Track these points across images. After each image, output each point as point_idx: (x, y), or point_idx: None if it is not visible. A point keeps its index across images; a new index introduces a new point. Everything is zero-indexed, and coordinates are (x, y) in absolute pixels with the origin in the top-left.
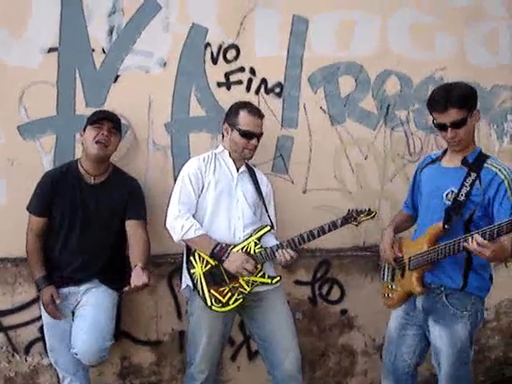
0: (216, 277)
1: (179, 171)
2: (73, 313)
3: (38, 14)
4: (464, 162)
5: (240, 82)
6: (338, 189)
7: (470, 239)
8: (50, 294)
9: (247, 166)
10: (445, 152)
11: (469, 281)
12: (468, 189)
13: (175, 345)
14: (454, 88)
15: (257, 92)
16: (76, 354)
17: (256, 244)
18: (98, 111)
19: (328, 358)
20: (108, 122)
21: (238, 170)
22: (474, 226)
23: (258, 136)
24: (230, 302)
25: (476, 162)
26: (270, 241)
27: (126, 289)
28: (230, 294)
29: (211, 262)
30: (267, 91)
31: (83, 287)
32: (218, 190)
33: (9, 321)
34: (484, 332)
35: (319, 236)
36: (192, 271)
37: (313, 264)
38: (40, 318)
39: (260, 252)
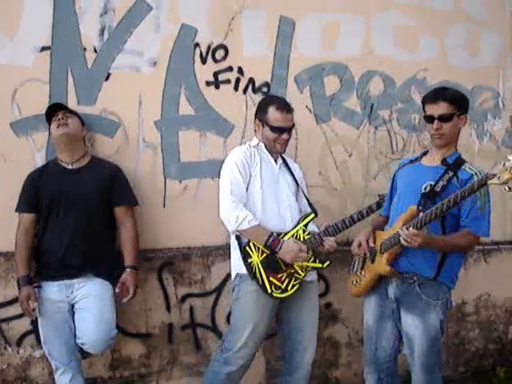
0: (273, 264)
1: (168, 168)
2: (72, 306)
3: (30, 14)
4: (443, 161)
5: (228, 82)
6: (322, 186)
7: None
8: (27, 293)
9: (281, 156)
10: (425, 153)
11: (441, 271)
12: (444, 183)
13: (164, 337)
14: (450, 89)
15: (244, 91)
16: (83, 344)
17: (304, 231)
18: (48, 106)
19: None
20: (60, 110)
21: (276, 162)
22: (450, 219)
23: (289, 130)
24: (289, 288)
25: (454, 164)
26: (311, 227)
27: (117, 290)
28: (287, 280)
29: (266, 250)
30: (255, 90)
31: (76, 280)
32: (264, 180)
33: (1, 314)
34: (464, 325)
35: (359, 220)
36: (249, 260)
37: None
38: (32, 311)
39: (309, 238)
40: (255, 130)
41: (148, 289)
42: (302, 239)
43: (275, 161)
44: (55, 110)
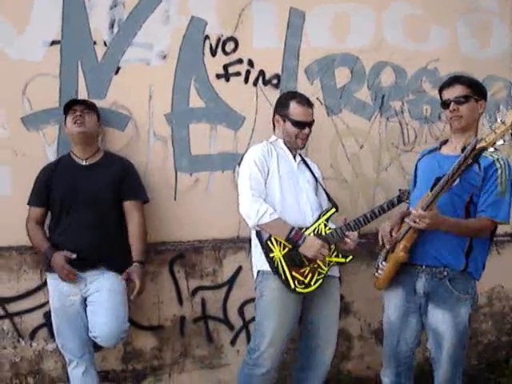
0: (295, 259)
1: (179, 161)
2: (85, 299)
3: (40, 8)
4: (463, 150)
5: (238, 74)
6: (334, 178)
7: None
8: (62, 255)
9: (299, 154)
10: (445, 142)
11: (469, 261)
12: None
13: (176, 330)
14: (467, 76)
15: (255, 83)
16: (95, 338)
17: (325, 225)
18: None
19: None
20: (78, 105)
21: (295, 158)
22: (473, 208)
23: (310, 124)
24: (312, 283)
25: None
26: (329, 224)
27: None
28: (310, 274)
29: (288, 245)
30: (265, 83)
31: (89, 273)
32: (282, 175)
33: (14, 307)
34: (477, 317)
35: (380, 215)
36: (271, 255)
37: None
38: (44, 304)
39: (331, 233)
40: (274, 127)
41: (160, 282)
42: (323, 233)
43: (294, 157)
44: (74, 103)
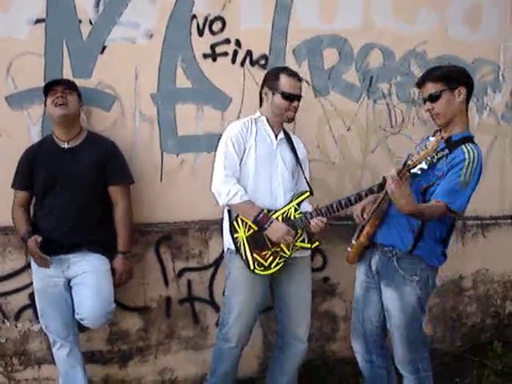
0: (258, 241)
1: (165, 142)
2: (69, 281)
3: None
4: (448, 139)
5: (226, 54)
6: (321, 160)
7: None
8: (34, 241)
9: (284, 132)
10: (440, 130)
11: (418, 245)
12: (433, 155)
13: (162, 311)
14: (438, 67)
15: (242, 64)
16: (82, 320)
17: (296, 209)
18: (49, 81)
19: (310, 324)
20: (59, 85)
21: (276, 137)
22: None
23: (299, 98)
24: (272, 266)
25: (457, 143)
26: (306, 206)
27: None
28: (271, 257)
29: (254, 227)
30: (252, 63)
31: (73, 255)
32: (258, 155)
33: None
34: (461, 300)
35: (356, 202)
36: (235, 235)
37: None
38: (29, 285)
39: (300, 217)
40: (260, 101)
41: (146, 263)
42: (292, 217)
43: (276, 136)
44: (54, 83)
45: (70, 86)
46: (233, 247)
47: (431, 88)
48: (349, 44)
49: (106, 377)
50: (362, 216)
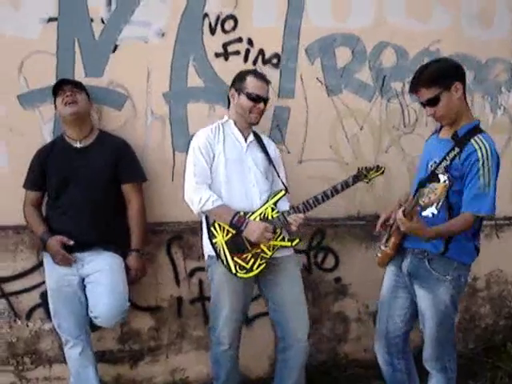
0: (238, 244)
1: (177, 141)
2: (83, 279)
3: None
4: (454, 135)
5: (238, 53)
6: (333, 159)
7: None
8: (57, 241)
9: (254, 134)
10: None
11: (450, 247)
12: (448, 163)
13: (173, 311)
14: (426, 68)
15: (254, 63)
16: (96, 318)
17: (273, 209)
18: (56, 82)
19: (322, 325)
20: (67, 85)
21: (246, 140)
22: (453, 194)
23: (265, 100)
24: (254, 268)
25: (465, 137)
26: (285, 205)
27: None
28: (253, 259)
29: (232, 230)
30: (264, 62)
31: (87, 254)
32: (228, 159)
33: (10, 287)
34: (475, 301)
35: (333, 196)
36: (214, 241)
37: (308, 233)
38: (41, 284)
39: (278, 217)
40: (228, 104)
41: (157, 262)
42: (270, 217)
43: (245, 139)
44: (62, 83)
45: (77, 86)
46: (213, 253)
47: (427, 94)
48: (362, 43)
49: (117, 376)
50: (385, 225)
